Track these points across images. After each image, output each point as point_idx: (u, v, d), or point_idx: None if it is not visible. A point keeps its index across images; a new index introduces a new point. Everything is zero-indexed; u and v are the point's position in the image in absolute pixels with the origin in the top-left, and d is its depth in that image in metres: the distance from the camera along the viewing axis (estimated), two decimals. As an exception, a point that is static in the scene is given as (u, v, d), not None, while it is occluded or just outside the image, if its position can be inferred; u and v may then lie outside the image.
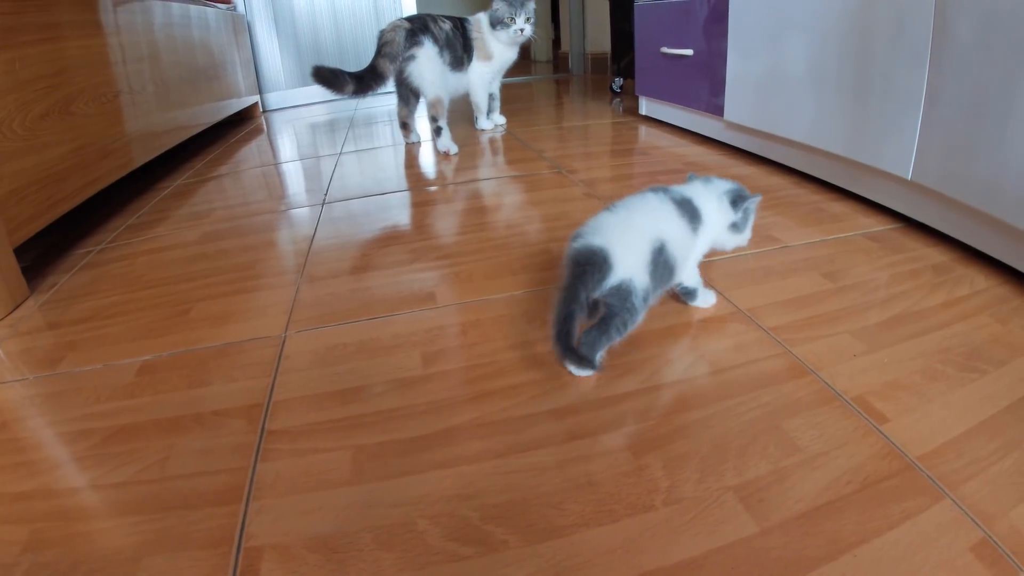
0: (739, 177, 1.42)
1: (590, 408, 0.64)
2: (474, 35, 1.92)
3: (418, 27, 1.75)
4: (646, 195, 0.72)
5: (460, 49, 1.88)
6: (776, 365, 0.69)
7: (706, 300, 0.81)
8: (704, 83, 1.73)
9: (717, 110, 1.67)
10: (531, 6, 1.89)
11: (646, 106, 2.23)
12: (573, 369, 0.68)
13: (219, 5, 2.54)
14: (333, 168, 1.72)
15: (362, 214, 1.28)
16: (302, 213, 1.31)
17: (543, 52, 5.48)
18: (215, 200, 1.47)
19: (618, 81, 2.88)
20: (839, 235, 1.05)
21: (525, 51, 5.70)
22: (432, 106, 1.79)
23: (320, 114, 2.87)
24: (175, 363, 0.76)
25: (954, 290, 0.85)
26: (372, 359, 0.73)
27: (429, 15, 1.83)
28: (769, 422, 0.60)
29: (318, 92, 3.01)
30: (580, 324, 0.64)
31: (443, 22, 1.84)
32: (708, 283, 0.89)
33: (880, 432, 0.58)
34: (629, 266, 0.64)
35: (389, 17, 2.81)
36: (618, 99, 2.76)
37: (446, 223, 1.19)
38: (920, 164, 1.02)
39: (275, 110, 3.09)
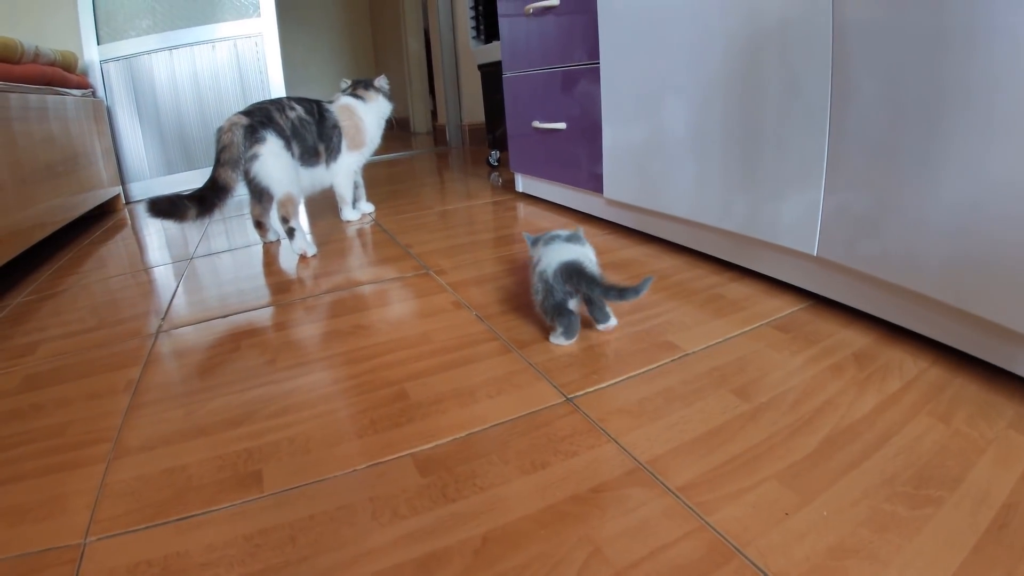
0: (627, 260, 1.34)
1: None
2: (344, 123, 1.82)
3: (258, 121, 1.60)
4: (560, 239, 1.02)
5: (314, 138, 1.75)
6: (691, 549, 0.55)
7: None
8: (580, 158, 1.67)
9: (596, 187, 1.60)
10: None
11: (523, 183, 2.17)
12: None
13: (75, 92, 2.35)
14: (179, 281, 1.51)
15: (196, 347, 1.09)
16: (133, 346, 1.11)
17: (422, 124, 5.50)
18: (48, 326, 1.26)
19: (494, 154, 2.85)
20: (744, 328, 0.96)
21: (405, 123, 5.77)
22: (282, 205, 1.63)
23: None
24: (-38, 588, 0.59)
25: (884, 385, 0.78)
26: (177, 591, 0.56)
27: (276, 101, 1.69)
28: (690, 657, 0.45)
29: (186, 179, 2.92)
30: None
31: (292, 108, 1.71)
32: (598, 419, 0.76)
33: (838, 646, 0.45)
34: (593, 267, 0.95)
35: (256, 98, 2.68)
36: (495, 173, 2.71)
37: (284, 359, 1.00)
38: (826, 238, 0.95)
39: (140, 201, 2.92)
